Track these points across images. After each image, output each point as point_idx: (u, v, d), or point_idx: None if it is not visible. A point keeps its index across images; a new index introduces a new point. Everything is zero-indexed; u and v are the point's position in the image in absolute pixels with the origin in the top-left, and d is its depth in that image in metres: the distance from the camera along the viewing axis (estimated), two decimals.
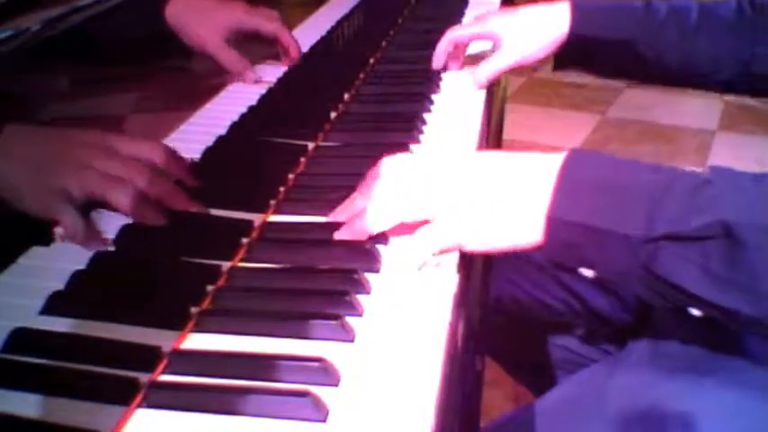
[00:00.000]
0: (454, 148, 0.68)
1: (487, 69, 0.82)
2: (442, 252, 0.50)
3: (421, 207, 0.51)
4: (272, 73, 0.87)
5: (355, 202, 0.55)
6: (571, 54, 0.85)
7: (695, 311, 0.48)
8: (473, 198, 0.50)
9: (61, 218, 0.52)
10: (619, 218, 0.47)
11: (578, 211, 0.48)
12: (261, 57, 0.88)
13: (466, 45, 0.89)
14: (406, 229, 0.52)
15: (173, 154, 0.59)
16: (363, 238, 0.52)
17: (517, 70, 0.86)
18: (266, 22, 0.85)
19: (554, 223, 0.48)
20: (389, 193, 0.52)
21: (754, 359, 0.60)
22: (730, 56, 0.80)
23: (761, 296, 0.44)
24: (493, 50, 0.86)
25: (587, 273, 0.50)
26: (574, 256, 0.50)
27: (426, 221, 0.51)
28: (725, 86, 0.85)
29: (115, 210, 0.53)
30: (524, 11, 0.84)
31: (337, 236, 0.53)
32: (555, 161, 0.49)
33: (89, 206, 0.54)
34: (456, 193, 0.51)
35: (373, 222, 0.52)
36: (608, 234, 0.47)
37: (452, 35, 0.86)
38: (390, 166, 0.54)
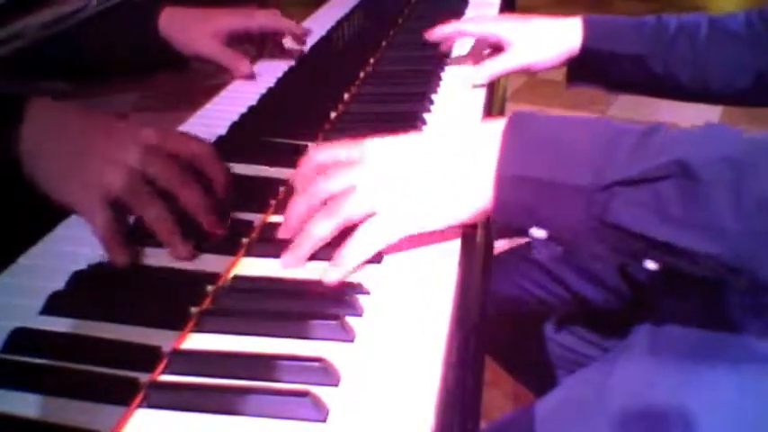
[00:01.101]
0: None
1: (493, 67, 0.83)
2: (387, 245, 0.49)
3: (356, 205, 0.49)
4: (272, 73, 0.87)
5: (293, 208, 0.52)
6: (583, 68, 0.86)
7: (651, 264, 0.47)
8: (412, 180, 0.49)
9: (92, 216, 0.49)
10: (569, 169, 0.46)
11: (527, 166, 0.47)
12: (260, 57, 0.88)
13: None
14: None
15: (218, 157, 0.55)
16: (308, 252, 0.50)
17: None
18: (262, 19, 0.86)
19: (503, 182, 0.47)
20: (324, 195, 0.51)
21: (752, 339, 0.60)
22: (742, 69, 0.81)
23: (720, 232, 0.43)
24: (493, 53, 0.86)
25: (539, 233, 0.48)
26: (525, 216, 0.48)
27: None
28: (738, 99, 0.86)
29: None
30: (536, 20, 0.85)
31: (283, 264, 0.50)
32: (498, 125, 0.49)
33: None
34: (393, 181, 0.49)
35: (319, 227, 0.50)
36: (558, 186, 0.46)
37: (462, 27, 0.86)
38: (315, 161, 0.53)
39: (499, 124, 0.49)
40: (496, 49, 0.87)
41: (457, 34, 0.87)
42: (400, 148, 0.52)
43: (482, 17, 0.88)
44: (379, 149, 0.52)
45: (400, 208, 0.49)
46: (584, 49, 0.83)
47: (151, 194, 0.50)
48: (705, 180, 0.43)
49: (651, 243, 0.45)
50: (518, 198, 0.47)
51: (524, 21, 0.85)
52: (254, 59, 0.88)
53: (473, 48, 0.91)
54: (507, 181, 0.47)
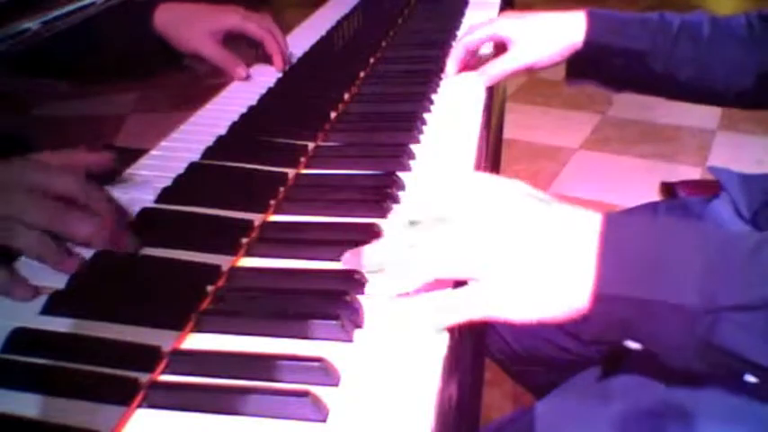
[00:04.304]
0: (454, 150, 0.68)
1: (497, 69, 0.83)
2: (471, 321, 0.45)
3: (468, 262, 0.46)
4: (271, 73, 0.87)
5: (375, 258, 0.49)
6: (583, 64, 0.85)
7: (751, 378, 0.46)
8: (520, 260, 0.45)
9: (17, 242, 0.47)
10: (672, 288, 0.44)
11: (626, 285, 0.44)
12: (259, 57, 0.88)
13: (477, 49, 0.89)
14: None
15: (90, 183, 0.50)
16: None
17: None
18: (254, 26, 0.85)
19: (600, 300, 0.45)
20: (423, 245, 0.47)
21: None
22: (743, 70, 0.81)
23: None
24: (497, 52, 0.86)
25: (634, 346, 0.47)
26: (621, 331, 0.46)
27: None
28: (738, 100, 0.85)
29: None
30: (538, 16, 0.84)
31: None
32: (593, 225, 0.46)
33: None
34: (507, 251, 0.45)
35: (412, 272, 0.47)
36: (661, 306, 0.44)
37: (465, 41, 0.86)
38: (420, 221, 0.49)
39: (595, 224, 0.46)
40: (498, 48, 0.87)
41: (466, 50, 0.86)
42: (502, 208, 0.48)
43: (482, 23, 0.87)
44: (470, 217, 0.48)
45: (500, 288, 0.45)
46: (587, 44, 0.82)
47: (20, 230, 0.47)
48: None
49: (754, 365, 0.44)
50: (616, 315, 0.45)
51: (524, 17, 0.84)
52: (251, 61, 0.88)
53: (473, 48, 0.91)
54: (604, 300, 0.45)
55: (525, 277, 0.45)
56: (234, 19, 0.84)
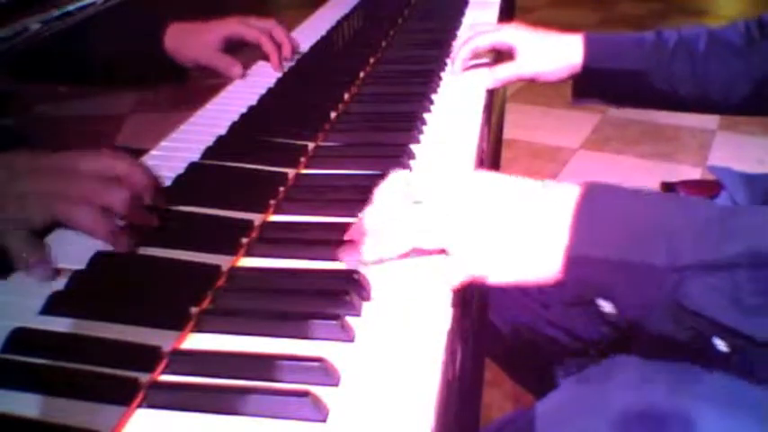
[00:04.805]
0: (454, 150, 0.68)
1: (504, 73, 0.85)
2: (462, 285, 0.48)
3: (436, 237, 0.49)
4: (271, 73, 0.87)
5: (364, 226, 0.51)
6: (586, 85, 0.87)
7: (721, 345, 0.47)
8: (492, 228, 0.48)
9: (10, 245, 0.49)
10: (642, 249, 0.46)
11: (598, 246, 0.46)
12: (260, 58, 0.88)
13: (484, 52, 0.90)
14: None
15: (137, 168, 0.54)
16: (368, 265, 0.49)
17: None
18: (250, 31, 0.87)
19: (576, 260, 0.47)
20: (400, 220, 0.50)
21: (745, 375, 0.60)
22: (740, 79, 0.82)
23: None
24: (496, 60, 0.87)
25: (606, 307, 0.48)
26: (594, 292, 0.48)
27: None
28: (739, 110, 0.86)
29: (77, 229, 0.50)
30: (542, 33, 0.87)
31: (341, 257, 0.50)
32: (572, 193, 0.48)
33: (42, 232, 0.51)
34: (474, 223, 0.49)
35: (382, 251, 0.49)
36: (632, 266, 0.46)
37: (474, 43, 0.87)
38: (395, 189, 0.52)
39: (572, 192, 0.48)
40: (503, 55, 0.88)
41: (473, 52, 0.88)
42: (474, 190, 0.51)
43: (487, 28, 0.89)
44: (454, 189, 0.51)
45: (474, 254, 0.49)
46: (586, 68, 0.85)
47: (78, 204, 0.50)
48: None
49: (722, 328, 0.45)
50: (589, 275, 0.47)
51: (533, 32, 0.87)
52: (252, 61, 0.88)
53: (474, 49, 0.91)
54: (578, 259, 0.47)
55: (501, 240, 0.48)
56: (231, 26, 0.86)
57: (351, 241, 0.51)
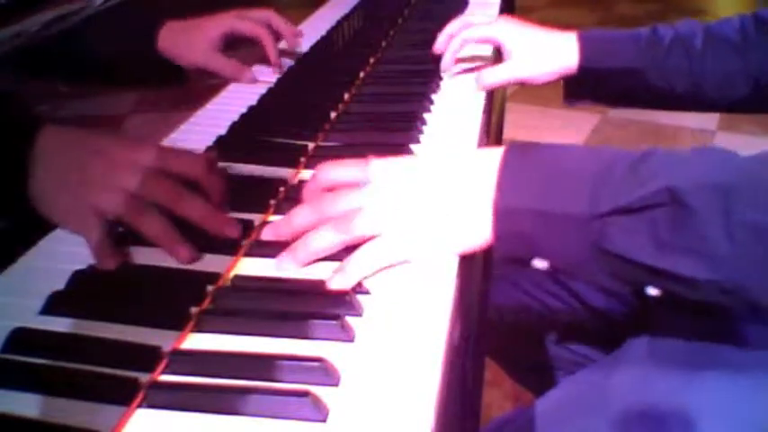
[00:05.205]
0: (454, 149, 0.68)
1: (493, 76, 0.83)
2: (389, 264, 0.49)
3: (366, 225, 0.50)
4: (271, 73, 0.87)
5: (297, 217, 0.52)
6: (581, 85, 0.86)
7: (653, 291, 0.48)
8: (416, 208, 0.50)
9: (88, 235, 0.50)
10: (564, 199, 0.47)
11: (523, 198, 0.48)
12: (260, 57, 0.88)
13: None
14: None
15: (213, 167, 0.56)
16: (307, 260, 0.50)
17: None
18: (247, 25, 0.84)
19: (501, 214, 0.48)
20: (333, 212, 0.51)
21: (755, 348, 0.60)
22: (738, 76, 0.81)
23: (713, 258, 0.44)
24: (495, 58, 0.86)
25: (540, 264, 0.49)
26: (525, 247, 0.49)
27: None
28: (735, 107, 0.85)
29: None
30: (535, 32, 0.85)
31: (280, 261, 0.51)
32: (495, 154, 0.50)
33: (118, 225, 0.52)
34: (399, 207, 0.50)
35: (323, 240, 0.50)
36: (555, 217, 0.47)
37: (465, 36, 0.86)
38: (325, 179, 0.54)
39: (496, 154, 0.50)
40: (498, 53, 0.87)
41: (463, 43, 0.87)
42: (406, 174, 0.52)
43: (481, 23, 0.88)
44: (385, 173, 0.52)
45: (405, 234, 0.50)
46: (581, 67, 0.83)
47: (148, 212, 0.51)
48: (694, 207, 0.43)
49: (648, 270, 0.46)
50: (516, 230, 0.48)
51: (525, 31, 0.85)
52: (254, 60, 0.87)
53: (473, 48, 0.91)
54: (504, 213, 0.48)
55: (419, 216, 0.50)
56: (227, 22, 0.84)
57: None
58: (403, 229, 0.50)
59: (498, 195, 0.48)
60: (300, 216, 0.52)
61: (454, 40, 0.87)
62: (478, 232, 0.49)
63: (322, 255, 0.50)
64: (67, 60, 0.70)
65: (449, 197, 0.50)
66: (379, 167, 0.53)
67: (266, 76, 0.86)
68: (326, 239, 0.50)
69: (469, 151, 0.51)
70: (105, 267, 0.50)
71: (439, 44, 0.88)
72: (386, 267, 0.49)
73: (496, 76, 0.83)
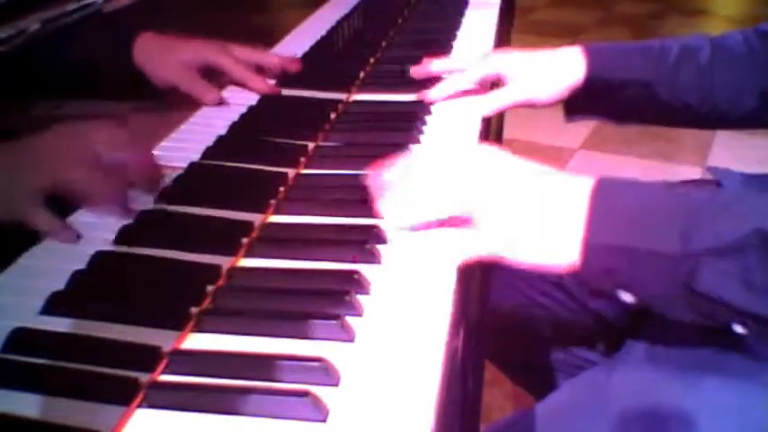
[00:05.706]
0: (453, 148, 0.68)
1: (493, 103, 0.79)
2: (479, 259, 0.50)
3: (467, 204, 0.51)
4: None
5: (392, 180, 0.54)
6: (586, 100, 0.82)
7: (739, 329, 0.48)
8: (520, 209, 0.50)
9: (34, 220, 0.52)
10: (655, 237, 0.47)
11: (614, 234, 0.48)
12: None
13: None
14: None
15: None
16: (394, 224, 0.52)
17: None
18: (226, 60, 0.81)
19: (592, 248, 0.48)
20: (431, 186, 0.52)
21: (757, 356, 0.60)
22: (747, 89, 0.80)
23: None
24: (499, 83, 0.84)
25: (627, 297, 0.50)
26: (612, 281, 0.49)
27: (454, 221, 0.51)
28: (747, 121, 0.83)
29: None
30: (535, 55, 0.81)
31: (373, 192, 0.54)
32: (586, 185, 0.50)
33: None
34: (507, 200, 0.51)
35: (411, 212, 0.52)
36: (644, 254, 0.47)
37: (465, 77, 0.81)
38: (426, 159, 0.55)
39: (587, 184, 0.50)
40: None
41: (457, 90, 0.81)
42: (505, 167, 0.53)
43: (474, 66, 0.82)
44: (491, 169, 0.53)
45: (499, 230, 0.50)
46: (589, 80, 0.79)
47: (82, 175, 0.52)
48: None
49: (737, 311, 0.46)
50: (605, 264, 0.49)
51: (522, 54, 0.81)
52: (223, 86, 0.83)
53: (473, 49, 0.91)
54: (594, 249, 0.48)
55: (523, 223, 0.50)
56: (211, 51, 0.81)
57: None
58: (497, 225, 0.50)
59: (588, 230, 0.48)
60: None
61: (448, 80, 0.81)
62: (565, 258, 0.50)
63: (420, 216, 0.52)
64: (40, 71, 0.70)
65: (544, 213, 0.50)
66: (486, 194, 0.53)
67: (266, 76, 0.85)
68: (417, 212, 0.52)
69: (558, 175, 0.52)
70: (66, 242, 0.52)
71: (419, 73, 0.84)
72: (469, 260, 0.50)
73: (499, 100, 0.78)
